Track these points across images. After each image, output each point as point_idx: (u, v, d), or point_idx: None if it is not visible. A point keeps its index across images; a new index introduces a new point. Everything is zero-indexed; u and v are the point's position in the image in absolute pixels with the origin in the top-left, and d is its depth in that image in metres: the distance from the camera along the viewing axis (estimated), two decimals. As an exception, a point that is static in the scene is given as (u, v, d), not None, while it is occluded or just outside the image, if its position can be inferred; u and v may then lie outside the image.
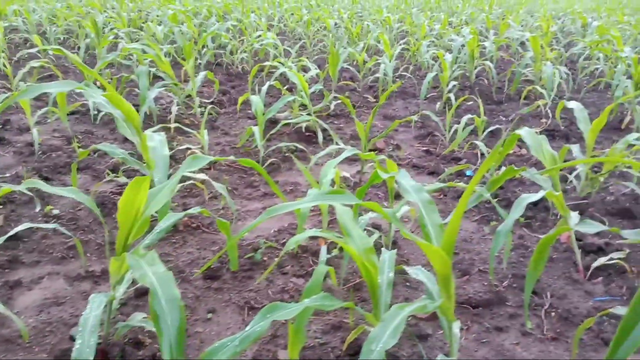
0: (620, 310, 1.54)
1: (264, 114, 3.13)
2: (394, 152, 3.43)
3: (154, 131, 2.31)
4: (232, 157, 1.85)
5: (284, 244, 2.23)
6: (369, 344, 0.99)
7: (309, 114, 3.61)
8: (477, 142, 2.90)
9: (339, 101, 4.32)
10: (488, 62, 5.03)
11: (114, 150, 2.26)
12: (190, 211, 1.77)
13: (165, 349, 1.01)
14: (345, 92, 4.73)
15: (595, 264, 2.07)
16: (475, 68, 5.23)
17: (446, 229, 1.26)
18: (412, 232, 2.41)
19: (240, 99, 3.40)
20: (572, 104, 2.85)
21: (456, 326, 1.50)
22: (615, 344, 0.76)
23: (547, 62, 4.35)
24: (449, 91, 4.36)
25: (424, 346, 1.67)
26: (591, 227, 1.75)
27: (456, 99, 4.09)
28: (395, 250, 1.62)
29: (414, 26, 7.40)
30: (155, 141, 2.15)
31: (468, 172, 3.09)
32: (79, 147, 3.24)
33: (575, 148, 2.74)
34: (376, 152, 3.43)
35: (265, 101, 3.91)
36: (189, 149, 3.13)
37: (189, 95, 4.08)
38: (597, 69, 5.80)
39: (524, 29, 7.84)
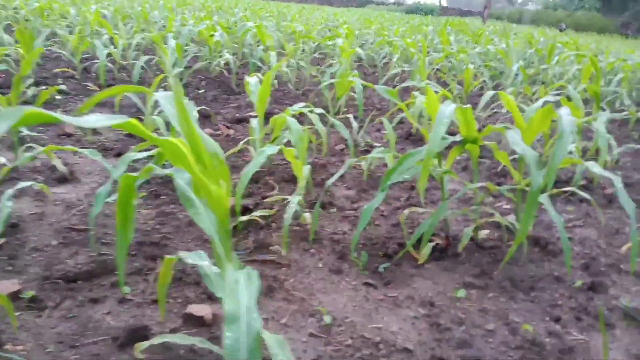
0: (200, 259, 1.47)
1: None
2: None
3: None
4: None
5: None
6: None
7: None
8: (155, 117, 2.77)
9: (44, 87, 3.81)
10: (227, 54, 5.05)
11: None
12: None
13: None
14: (58, 79, 4.21)
15: (234, 224, 2.05)
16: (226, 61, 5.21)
17: None
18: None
19: None
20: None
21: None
22: None
23: (272, 52, 4.52)
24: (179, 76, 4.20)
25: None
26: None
27: (198, 89, 3.97)
28: None
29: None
30: None
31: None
32: None
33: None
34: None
35: None
36: None
37: None
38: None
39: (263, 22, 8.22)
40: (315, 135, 3.63)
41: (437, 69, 6.68)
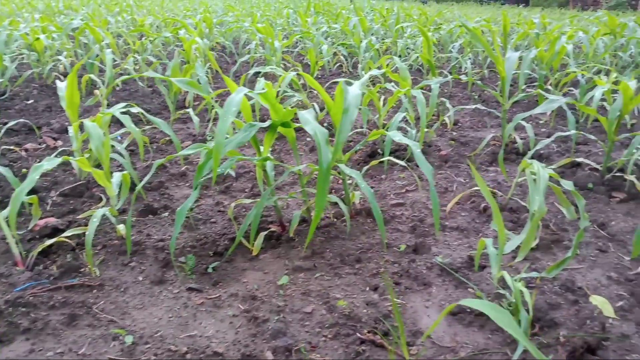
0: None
1: None
2: None
3: None
4: None
5: None
6: None
7: None
8: None
9: None
10: (62, 58, 4.59)
11: None
12: None
13: None
14: None
15: (37, 250, 1.83)
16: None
17: None
18: None
19: None
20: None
21: None
22: None
23: (107, 50, 4.17)
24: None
25: None
26: None
27: (27, 100, 3.49)
28: None
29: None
30: None
31: None
32: None
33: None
34: None
35: None
36: None
37: None
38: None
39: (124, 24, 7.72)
40: (161, 135, 3.43)
41: (299, 52, 6.69)
